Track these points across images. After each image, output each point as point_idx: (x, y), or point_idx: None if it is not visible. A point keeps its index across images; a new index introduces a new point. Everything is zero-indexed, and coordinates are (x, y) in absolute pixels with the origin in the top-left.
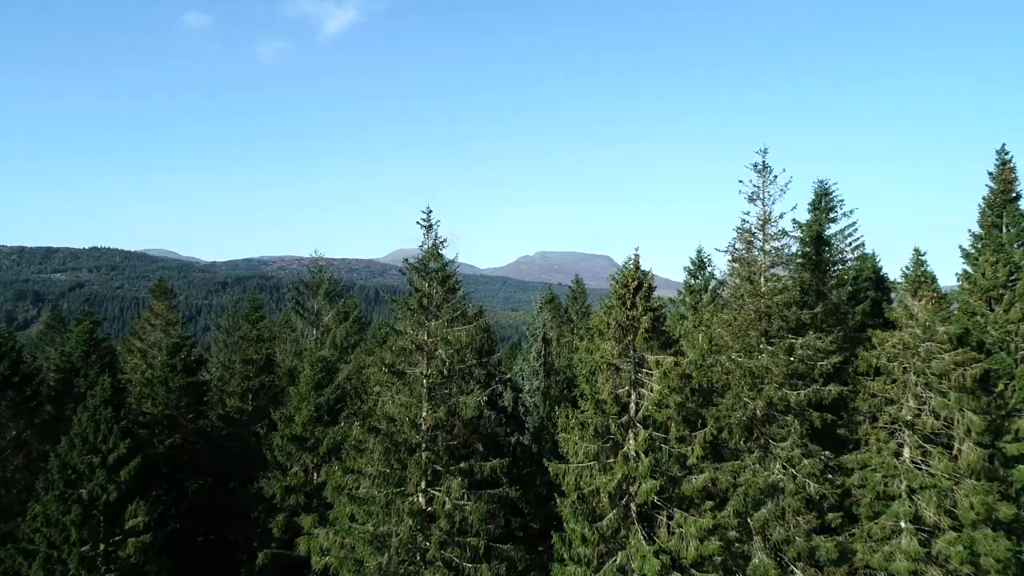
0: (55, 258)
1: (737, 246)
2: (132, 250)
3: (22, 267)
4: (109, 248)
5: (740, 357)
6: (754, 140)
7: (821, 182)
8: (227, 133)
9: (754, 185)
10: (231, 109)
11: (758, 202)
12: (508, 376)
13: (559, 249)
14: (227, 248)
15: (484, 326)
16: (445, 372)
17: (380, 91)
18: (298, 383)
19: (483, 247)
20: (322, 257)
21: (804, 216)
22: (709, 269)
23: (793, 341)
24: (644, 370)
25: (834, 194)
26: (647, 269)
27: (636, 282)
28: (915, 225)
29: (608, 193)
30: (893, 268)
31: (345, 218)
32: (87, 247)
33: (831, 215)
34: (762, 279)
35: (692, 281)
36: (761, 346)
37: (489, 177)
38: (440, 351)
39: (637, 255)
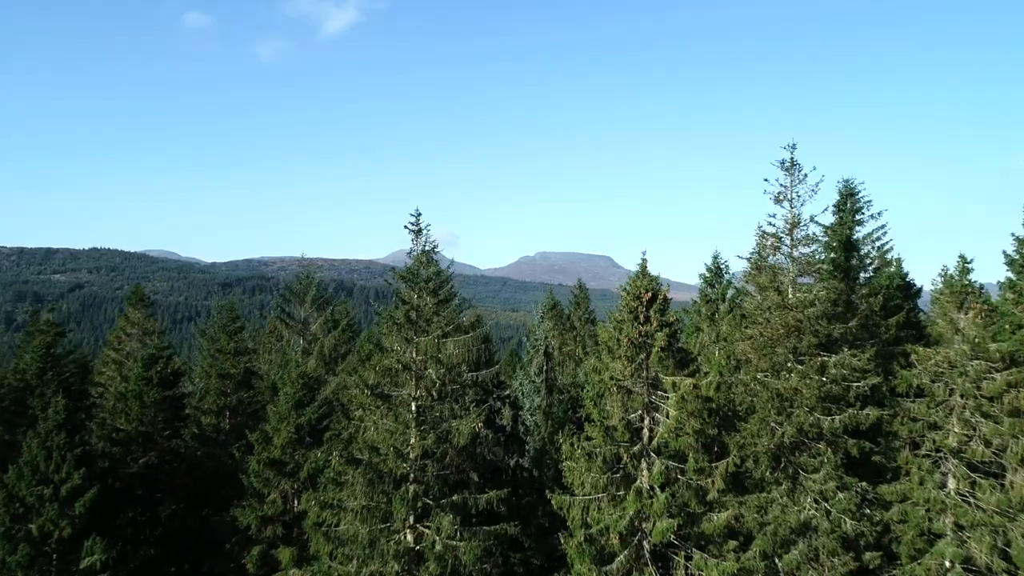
0: (55, 259)
1: (762, 252)
2: (132, 251)
3: (22, 268)
4: (109, 249)
5: (766, 377)
6: (754, 140)
7: (846, 181)
8: (227, 133)
9: (781, 184)
10: (231, 109)
11: (785, 203)
12: (507, 393)
13: (559, 249)
14: (228, 249)
15: (482, 335)
16: (435, 394)
17: (380, 91)
18: (277, 401)
19: (483, 247)
20: (321, 258)
21: (826, 219)
22: (727, 277)
23: (826, 359)
24: (659, 392)
25: (861, 194)
26: (657, 275)
27: (650, 294)
28: (914, 226)
29: (608, 193)
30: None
31: (345, 218)
32: (87, 248)
33: (857, 217)
34: (790, 289)
35: (708, 290)
36: (790, 365)
37: (489, 177)
38: (430, 370)
39: (645, 259)
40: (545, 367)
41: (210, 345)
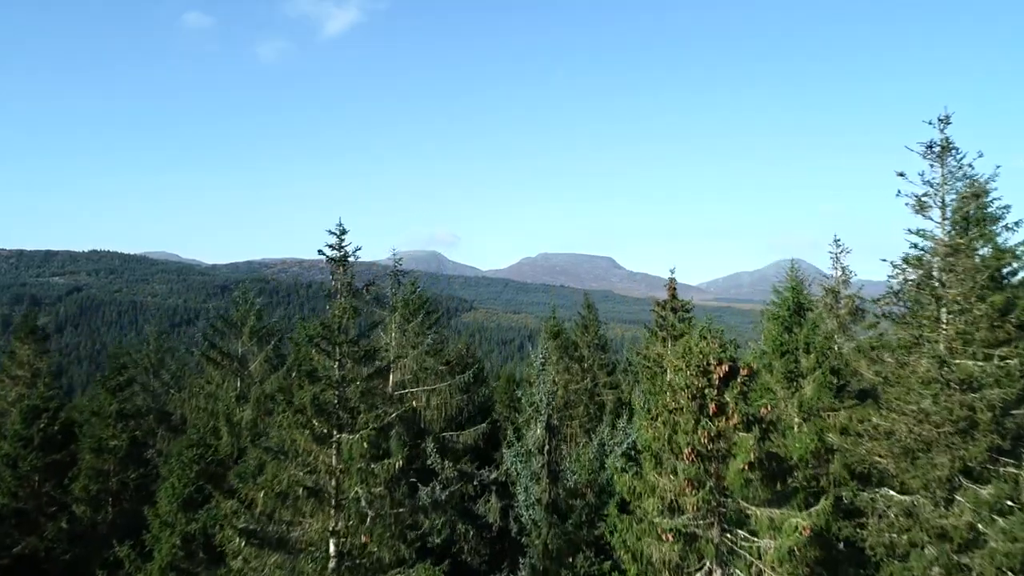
0: (54, 261)
1: (899, 292)
2: (132, 253)
3: (20, 270)
4: (109, 251)
5: (918, 502)
6: (755, 140)
7: (971, 180)
8: (228, 134)
9: (927, 183)
10: (232, 110)
11: (934, 211)
12: (494, 476)
13: (561, 250)
14: (229, 250)
15: (467, 382)
16: (365, 536)
17: (381, 91)
18: (159, 498)
19: (485, 248)
20: (322, 260)
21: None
22: (812, 317)
23: (1014, 471)
24: (741, 534)
25: (991, 197)
26: (697, 314)
27: (725, 366)
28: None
29: (609, 193)
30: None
31: (346, 219)
32: (86, 250)
33: (990, 228)
34: (943, 347)
35: (784, 336)
36: (960, 482)
37: (490, 177)
38: (357, 489)
39: (673, 279)
40: (547, 444)
41: (149, 381)
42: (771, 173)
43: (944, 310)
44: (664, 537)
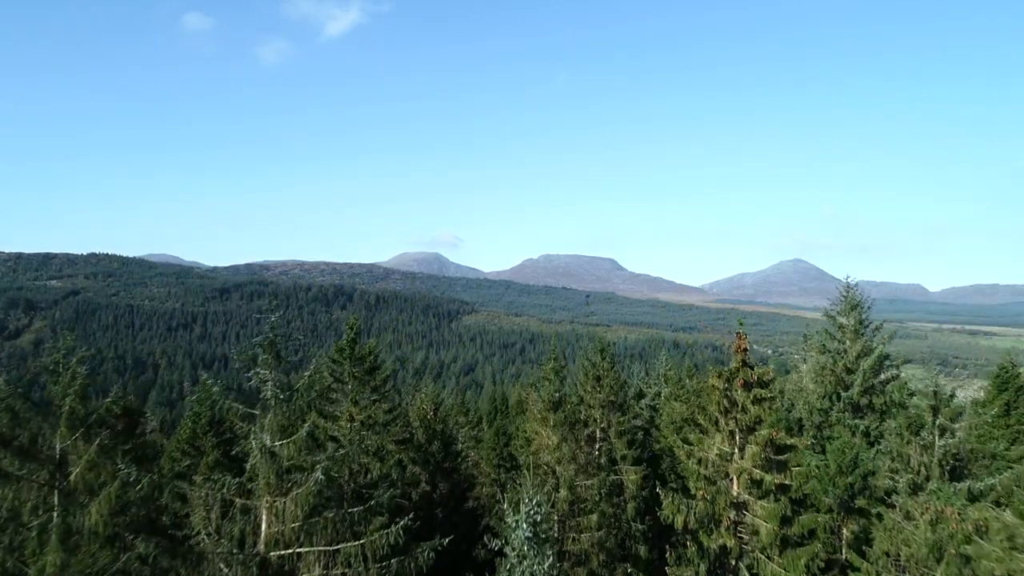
0: (52, 264)
1: None
2: (132, 256)
3: (18, 274)
4: (108, 254)
5: None
6: (756, 141)
7: None
8: (229, 136)
9: None
10: (232, 111)
11: None
12: None
13: (563, 252)
14: (230, 253)
15: (395, 538)
16: None
17: (382, 93)
18: None
19: (487, 250)
20: (323, 262)
21: None
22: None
23: None
24: None
25: None
26: None
27: None
28: (925, 227)
29: (611, 195)
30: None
31: (347, 221)
32: (85, 253)
33: None
34: None
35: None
36: None
37: (492, 179)
38: None
39: (741, 333)
40: None
41: None
42: (772, 174)
43: None
44: None
